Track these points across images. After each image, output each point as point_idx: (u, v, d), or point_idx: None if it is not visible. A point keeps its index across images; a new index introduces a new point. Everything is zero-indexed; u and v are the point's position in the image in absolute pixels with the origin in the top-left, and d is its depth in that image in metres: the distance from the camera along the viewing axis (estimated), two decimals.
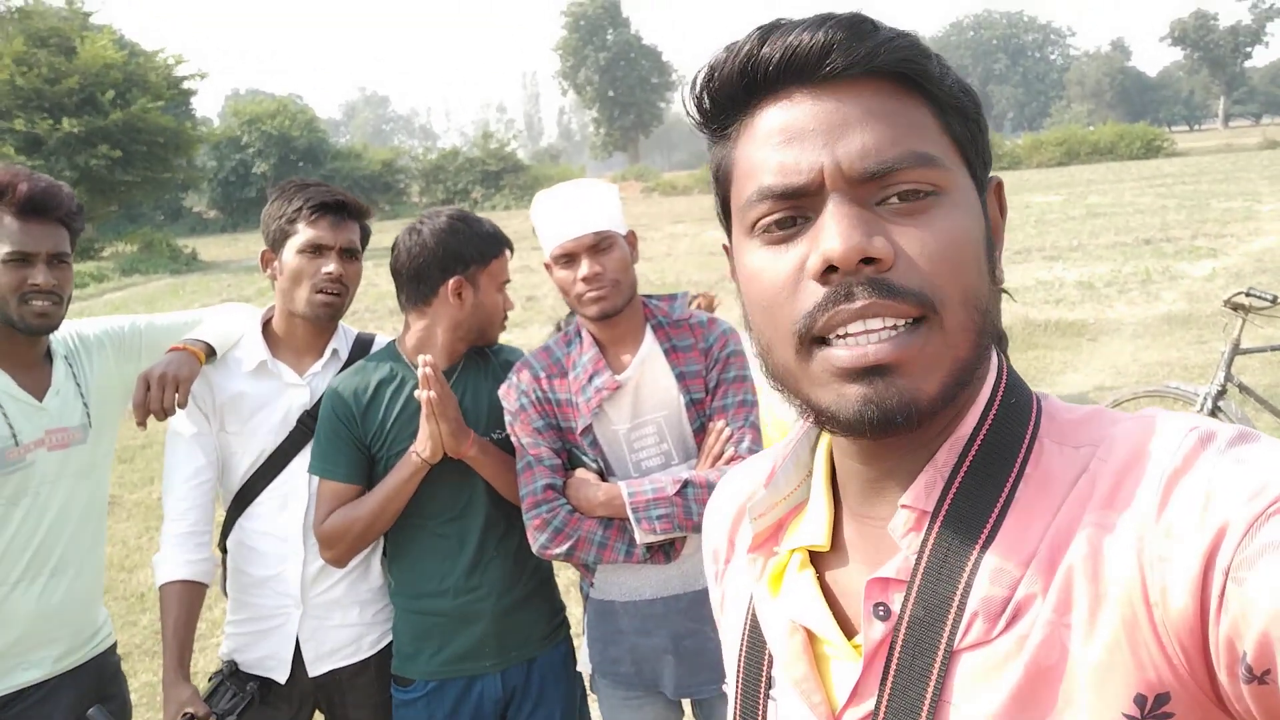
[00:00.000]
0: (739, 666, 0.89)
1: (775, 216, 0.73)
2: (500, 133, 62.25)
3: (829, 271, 0.69)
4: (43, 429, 2.16)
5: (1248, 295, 5.22)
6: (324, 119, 78.53)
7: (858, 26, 0.71)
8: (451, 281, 2.22)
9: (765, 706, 0.85)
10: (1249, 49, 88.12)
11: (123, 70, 32.44)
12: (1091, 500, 0.69)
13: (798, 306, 0.72)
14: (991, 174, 0.80)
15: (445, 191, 52.28)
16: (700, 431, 2.13)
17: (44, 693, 2.17)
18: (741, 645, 0.89)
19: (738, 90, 0.75)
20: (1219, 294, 5.43)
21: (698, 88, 0.77)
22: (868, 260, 0.69)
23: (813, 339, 0.71)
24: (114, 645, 2.39)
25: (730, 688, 0.91)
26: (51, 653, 2.19)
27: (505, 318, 2.34)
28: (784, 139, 0.72)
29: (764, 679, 0.86)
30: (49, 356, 2.25)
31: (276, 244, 2.32)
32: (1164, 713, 0.64)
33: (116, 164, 31.14)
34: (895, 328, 0.69)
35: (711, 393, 2.13)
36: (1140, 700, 0.64)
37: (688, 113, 0.80)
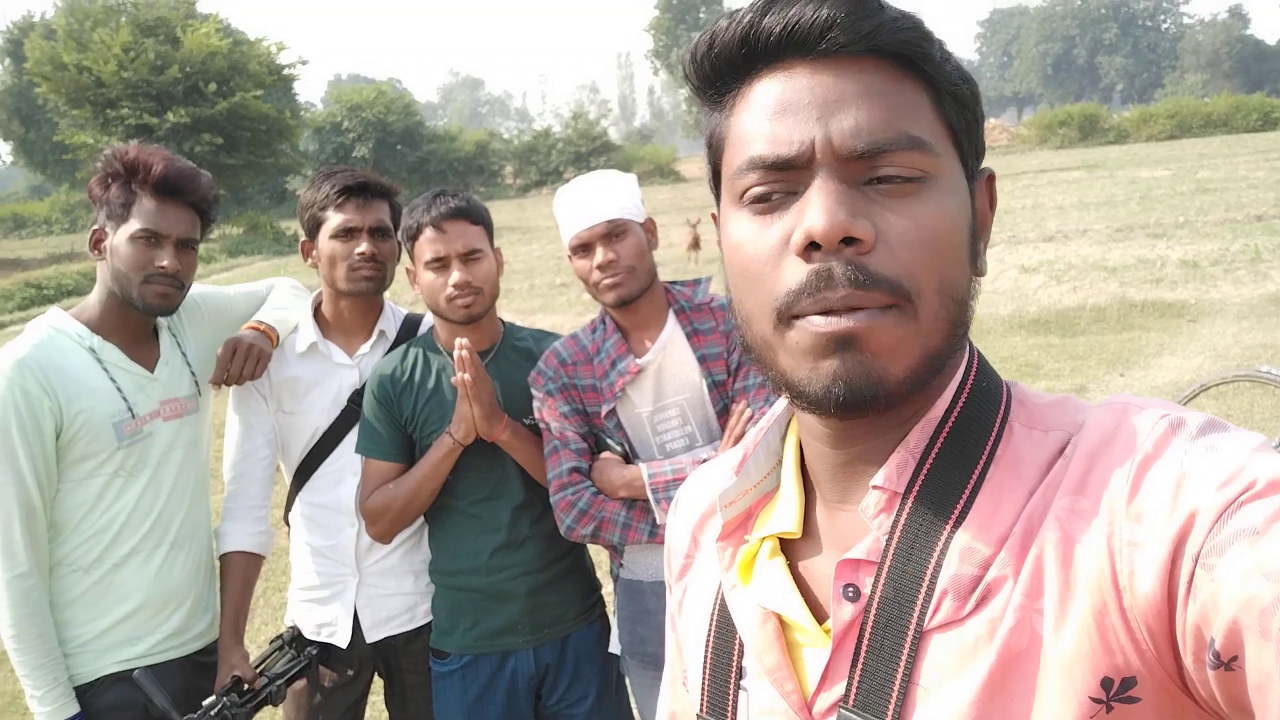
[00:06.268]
0: (706, 657, 0.87)
1: (762, 189, 0.72)
2: (593, 113, 62.46)
3: (811, 248, 0.69)
4: (157, 400, 2.18)
5: None
6: (421, 102, 79.98)
7: (862, 3, 0.70)
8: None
9: (735, 697, 0.84)
10: None
11: (227, 58, 33.54)
12: (1063, 485, 0.69)
13: (780, 283, 0.71)
14: (984, 165, 0.80)
15: (538, 172, 52.90)
16: (724, 413, 2.13)
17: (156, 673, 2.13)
18: (709, 636, 0.88)
19: (737, 59, 0.74)
20: None
21: (698, 54, 0.76)
22: (849, 240, 0.68)
23: (792, 315, 0.71)
24: (214, 644, 2.31)
25: (693, 680, 0.89)
26: (169, 625, 2.19)
27: (449, 299, 2.22)
28: (778, 110, 0.72)
29: (734, 669, 0.85)
30: (154, 329, 2.28)
31: (312, 233, 2.40)
32: (1129, 696, 0.64)
33: (220, 149, 32.23)
34: (873, 308, 0.69)
35: (734, 374, 2.13)
36: (1106, 683, 0.64)
37: (685, 77, 0.79)
